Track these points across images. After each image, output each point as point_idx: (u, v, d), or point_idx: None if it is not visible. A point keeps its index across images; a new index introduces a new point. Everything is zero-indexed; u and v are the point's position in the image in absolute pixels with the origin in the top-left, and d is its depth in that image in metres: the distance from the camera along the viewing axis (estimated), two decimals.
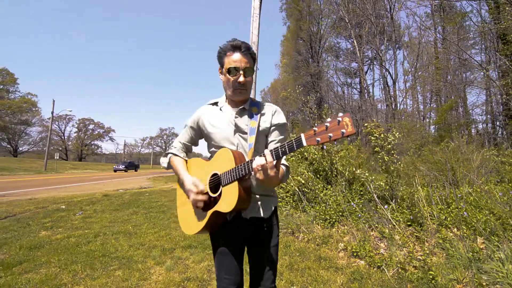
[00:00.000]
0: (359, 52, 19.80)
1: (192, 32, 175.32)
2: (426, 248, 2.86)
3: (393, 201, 3.97)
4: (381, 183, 4.34)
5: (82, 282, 2.55)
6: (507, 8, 8.16)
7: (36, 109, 51.10)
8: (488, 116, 15.95)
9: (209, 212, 1.20)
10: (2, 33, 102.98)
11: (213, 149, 1.34)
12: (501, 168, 5.15)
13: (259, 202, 1.28)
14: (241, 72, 1.23)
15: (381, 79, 19.97)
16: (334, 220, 3.97)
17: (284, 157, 1.30)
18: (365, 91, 21.55)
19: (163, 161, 1.46)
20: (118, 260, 3.10)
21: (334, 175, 5.16)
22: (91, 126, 70.17)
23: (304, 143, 0.90)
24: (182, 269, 2.91)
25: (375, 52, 19.35)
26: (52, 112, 30.86)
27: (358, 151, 6.07)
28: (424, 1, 13.30)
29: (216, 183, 1.23)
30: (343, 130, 0.79)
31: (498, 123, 14.88)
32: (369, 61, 23.26)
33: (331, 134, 0.82)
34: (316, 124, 0.90)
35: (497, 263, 2.31)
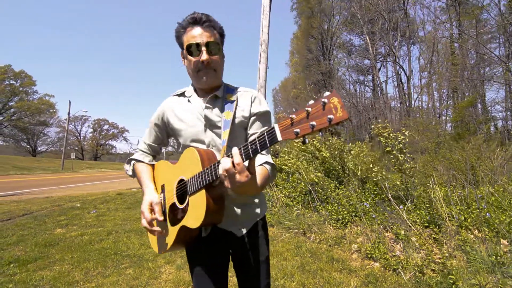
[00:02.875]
0: (372, 49, 19.41)
1: None
2: (445, 251, 2.73)
3: (409, 201, 3.83)
4: (397, 182, 4.20)
5: (94, 280, 2.57)
6: None
7: (54, 110, 52.75)
8: (508, 112, 15.34)
9: (176, 228, 0.97)
10: (18, 34, 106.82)
11: (181, 149, 1.10)
12: None
13: (239, 213, 1.05)
14: (203, 48, 0.98)
15: (395, 76, 19.55)
16: (347, 221, 3.86)
17: (269, 155, 1.06)
18: (378, 88, 21.14)
19: (127, 168, 1.21)
20: (129, 259, 3.12)
21: (346, 175, 5.05)
22: (105, 127, 71.83)
23: (279, 138, 0.64)
24: None
25: (388, 48, 18.90)
26: (69, 113, 31.83)
27: (370, 150, 5.92)
28: None
29: (183, 191, 0.99)
30: (331, 116, 0.55)
31: None
32: (382, 58, 22.76)
33: (314, 123, 0.58)
34: (294, 110, 0.64)
35: None
